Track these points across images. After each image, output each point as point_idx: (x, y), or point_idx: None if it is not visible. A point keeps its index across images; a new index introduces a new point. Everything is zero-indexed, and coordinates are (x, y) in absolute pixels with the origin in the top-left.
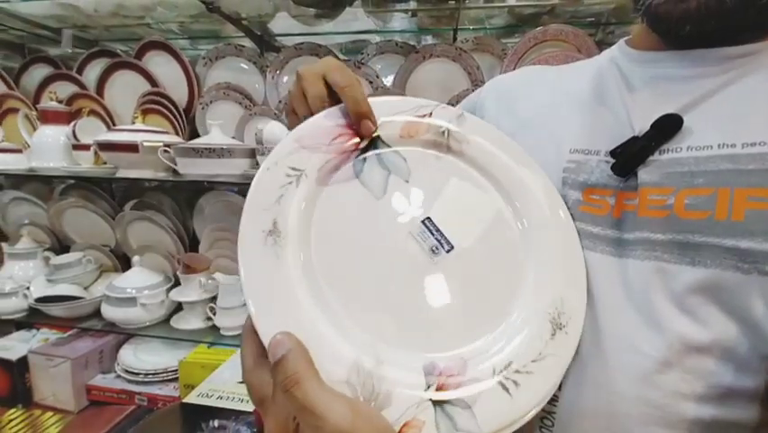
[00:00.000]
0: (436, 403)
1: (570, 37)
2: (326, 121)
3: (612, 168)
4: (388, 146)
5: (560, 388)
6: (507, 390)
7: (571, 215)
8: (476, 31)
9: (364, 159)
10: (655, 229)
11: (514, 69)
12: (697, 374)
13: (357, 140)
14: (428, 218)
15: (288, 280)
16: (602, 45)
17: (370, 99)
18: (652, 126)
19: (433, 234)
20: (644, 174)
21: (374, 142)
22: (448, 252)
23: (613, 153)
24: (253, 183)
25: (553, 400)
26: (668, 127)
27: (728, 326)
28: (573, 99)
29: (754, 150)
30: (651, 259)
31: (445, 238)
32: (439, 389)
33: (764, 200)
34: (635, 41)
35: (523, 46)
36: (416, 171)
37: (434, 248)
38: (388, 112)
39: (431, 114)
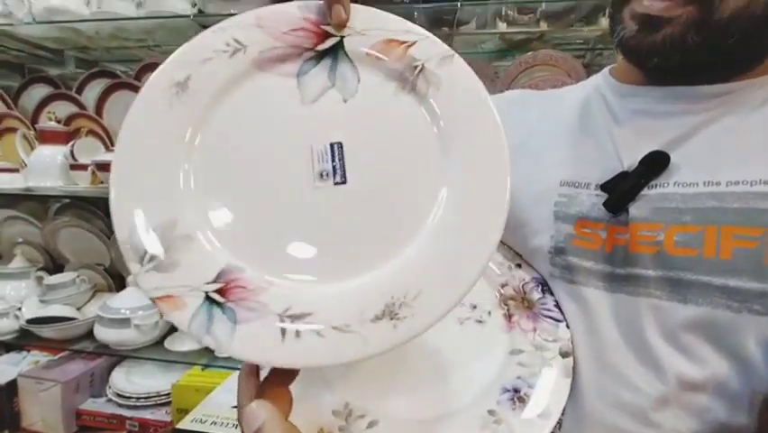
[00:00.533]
0: (210, 299)
1: (559, 62)
2: (296, 10)
3: (605, 204)
4: (349, 59)
5: (560, 426)
6: (283, 333)
7: (564, 249)
8: (468, 55)
9: (316, 62)
10: (647, 265)
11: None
12: (692, 411)
13: (317, 41)
14: (339, 144)
15: (168, 136)
16: (591, 68)
17: (360, 5)
18: (641, 163)
19: (332, 161)
20: (633, 209)
21: (335, 50)
22: (336, 184)
23: (604, 188)
24: (192, 39)
25: None
26: (656, 164)
27: (722, 363)
28: (560, 128)
29: (737, 188)
30: (643, 295)
31: (343, 170)
32: (222, 291)
33: (749, 239)
34: (618, 72)
35: (514, 70)
36: (361, 96)
37: (323, 173)
38: (370, 23)
39: (415, 43)
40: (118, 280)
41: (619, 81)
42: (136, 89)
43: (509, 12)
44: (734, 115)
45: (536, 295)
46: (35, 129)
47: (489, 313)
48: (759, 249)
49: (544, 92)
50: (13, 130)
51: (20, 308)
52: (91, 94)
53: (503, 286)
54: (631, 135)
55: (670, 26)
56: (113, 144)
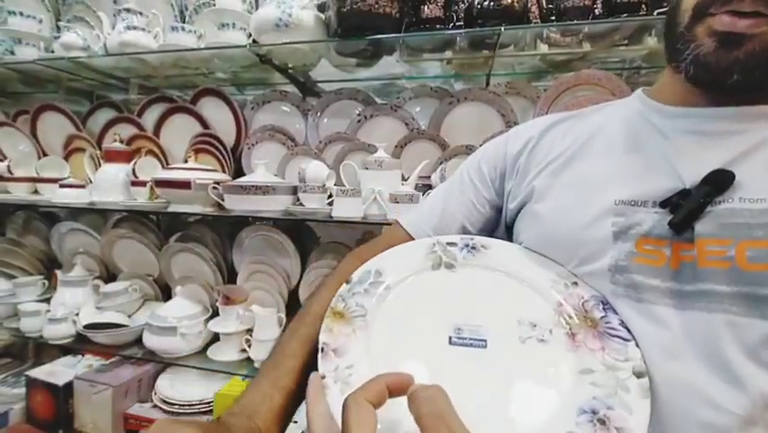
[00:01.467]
0: None
1: (602, 81)
2: None
3: (670, 223)
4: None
5: None
6: None
7: (626, 267)
8: (507, 76)
9: None
10: (719, 281)
11: (547, 111)
12: None
13: None
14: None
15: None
16: (632, 86)
17: None
18: (704, 180)
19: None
20: (699, 226)
21: None
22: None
23: (664, 205)
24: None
25: None
26: (720, 181)
27: None
28: (604, 148)
29: None
30: (719, 312)
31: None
32: None
33: None
34: (660, 94)
35: (555, 90)
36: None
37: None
38: None
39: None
40: (165, 291)
41: (665, 104)
42: (191, 113)
43: (551, 34)
44: None
45: (598, 313)
46: (101, 149)
47: (551, 332)
48: None
49: (573, 112)
50: (81, 150)
51: (77, 314)
52: (150, 117)
53: (560, 305)
54: (689, 154)
55: (752, 43)
56: (168, 163)
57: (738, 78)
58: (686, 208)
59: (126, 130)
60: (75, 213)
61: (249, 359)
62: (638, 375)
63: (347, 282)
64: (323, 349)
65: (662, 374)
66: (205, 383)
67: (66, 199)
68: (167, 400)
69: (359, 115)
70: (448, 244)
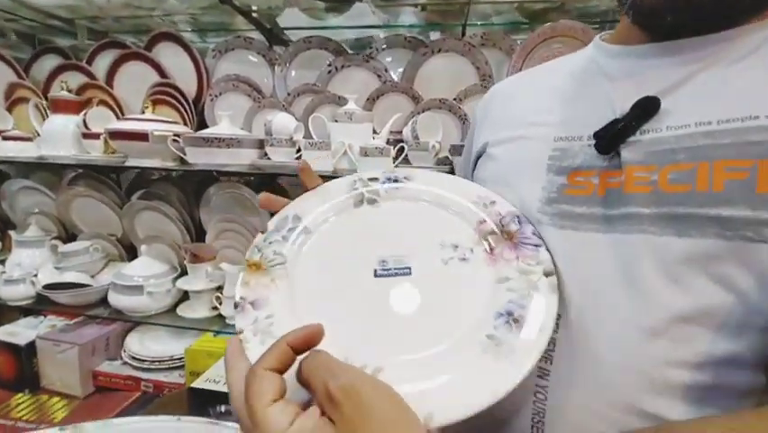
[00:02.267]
0: None
1: (579, 33)
2: None
3: (595, 146)
4: None
5: (551, 362)
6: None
7: (555, 198)
8: (484, 26)
9: None
10: (641, 204)
11: (522, 64)
12: (685, 343)
13: None
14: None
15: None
16: None
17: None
18: (632, 108)
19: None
20: (627, 153)
21: None
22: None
23: (596, 135)
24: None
25: (545, 373)
26: (647, 108)
27: (716, 295)
28: (554, 95)
29: (729, 126)
30: (638, 232)
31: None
32: None
33: (741, 170)
34: (613, 37)
35: (531, 42)
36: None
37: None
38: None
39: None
40: (129, 251)
41: (612, 44)
42: (146, 60)
43: None
44: (728, 59)
45: (514, 226)
46: (47, 99)
47: (472, 250)
48: (750, 178)
49: (534, 69)
50: (24, 100)
51: (35, 275)
52: (102, 65)
53: (481, 223)
54: (625, 88)
55: None
56: (123, 114)
57: (671, 20)
58: (612, 131)
59: (75, 78)
60: (25, 170)
61: (220, 315)
62: (547, 275)
63: (262, 232)
64: (237, 305)
65: (576, 290)
66: (176, 340)
67: (11, 153)
68: (136, 356)
69: (329, 65)
70: (370, 179)
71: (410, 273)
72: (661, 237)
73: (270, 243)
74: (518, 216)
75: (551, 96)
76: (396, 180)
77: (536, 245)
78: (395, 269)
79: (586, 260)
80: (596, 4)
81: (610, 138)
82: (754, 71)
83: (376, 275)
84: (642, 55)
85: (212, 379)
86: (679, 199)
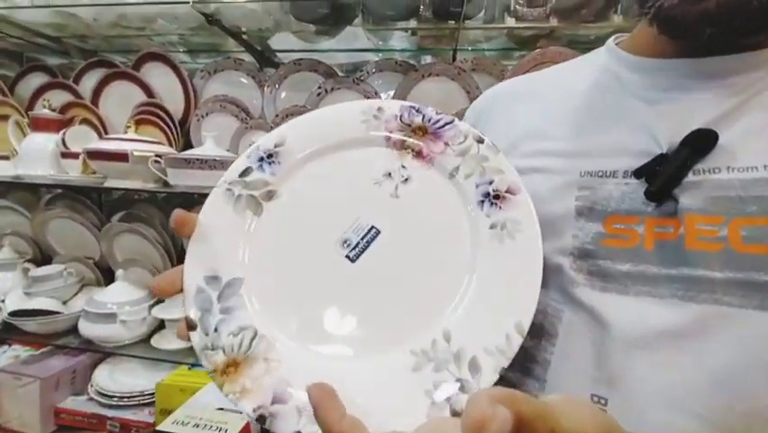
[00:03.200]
0: None
1: (569, 59)
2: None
3: (646, 192)
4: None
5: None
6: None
7: (593, 252)
8: (475, 52)
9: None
10: (712, 266)
11: None
12: None
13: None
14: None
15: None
16: None
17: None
18: (682, 143)
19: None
20: (685, 199)
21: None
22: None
23: (638, 174)
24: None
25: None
26: (702, 144)
27: None
28: (567, 112)
29: None
30: (709, 303)
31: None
32: None
33: None
34: (634, 45)
35: (521, 68)
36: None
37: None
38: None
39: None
40: (107, 275)
41: (638, 56)
42: (133, 79)
43: (518, 6)
44: None
45: (418, 118)
46: (29, 116)
47: (403, 166)
48: None
49: (530, 75)
50: (6, 118)
51: (3, 300)
52: (89, 83)
53: (387, 139)
54: (669, 115)
55: None
56: (107, 133)
57: (713, 31)
58: (665, 174)
59: (61, 96)
60: (2, 189)
61: None
62: (479, 141)
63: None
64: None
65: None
66: (150, 373)
67: None
68: (103, 391)
69: (319, 87)
70: (240, 175)
71: (379, 232)
72: (738, 309)
73: (201, 306)
74: (411, 106)
75: (564, 114)
76: (270, 156)
77: (448, 122)
78: (362, 239)
79: (633, 329)
80: (585, 33)
81: (664, 183)
82: None
83: (352, 261)
84: (679, 73)
85: (180, 421)
86: (758, 263)
